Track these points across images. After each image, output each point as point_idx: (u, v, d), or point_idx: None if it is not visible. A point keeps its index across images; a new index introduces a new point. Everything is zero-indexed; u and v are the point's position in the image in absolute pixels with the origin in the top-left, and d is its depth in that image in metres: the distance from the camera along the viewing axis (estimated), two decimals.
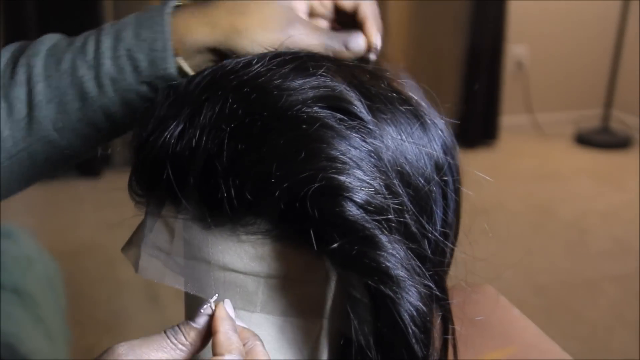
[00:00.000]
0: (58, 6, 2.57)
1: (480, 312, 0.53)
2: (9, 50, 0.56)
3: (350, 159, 0.40)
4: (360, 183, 0.39)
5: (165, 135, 0.42)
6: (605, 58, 3.41)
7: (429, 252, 0.43)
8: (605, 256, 2.29)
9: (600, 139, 3.31)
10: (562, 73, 3.50)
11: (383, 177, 0.40)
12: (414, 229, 0.41)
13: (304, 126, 0.40)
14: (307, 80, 0.42)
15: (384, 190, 0.40)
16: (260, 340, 0.40)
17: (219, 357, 0.37)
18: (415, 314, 0.39)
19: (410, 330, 0.39)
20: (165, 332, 0.39)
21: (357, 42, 0.54)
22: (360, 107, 0.42)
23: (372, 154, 0.41)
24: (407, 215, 0.41)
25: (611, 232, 2.44)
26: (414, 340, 0.39)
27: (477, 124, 3.18)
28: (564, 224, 2.50)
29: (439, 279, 0.43)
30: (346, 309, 0.40)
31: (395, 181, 0.41)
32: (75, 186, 2.21)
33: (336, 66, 0.45)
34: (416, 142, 0.44)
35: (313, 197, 0.38)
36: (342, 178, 0.39)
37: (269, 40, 0.51)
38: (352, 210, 0.38)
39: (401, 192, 0.41)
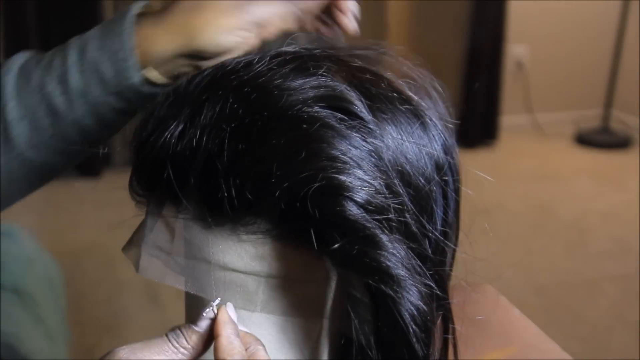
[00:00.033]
0: (58, 6, 2.57)
1: (480, 312, 0.54)
2: None
3: (350, 158, 0.40)
4: (361, 183, 0.39)
5: (166, 135, 0.42)
6: (605, 58, 3.41)
7: (430, 251, 0.43)
8: (605, 256, 2.29)
9: (600, 139, 3.31)
10: (562, 73, 3.50)
11: (383, 177, 0.40)
12: (414, 228, 0.41)
13: (305, 126, 0.40)
14: (307, 80, 0.42)
15: (385, 190, 0.40)
16: (263, 345, 0.40)
17: None
18: (415, 313, 0.39)
19: (411, 330, 0.39)
20: (167, 335, 0.39)
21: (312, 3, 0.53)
22: (360, 107, 0.42)
23: (373, 154, 0.41)
24: (407, 215, 0.41)
25: (611, 232, 2.44)
26: (414, 340, 0.39)
27: (477, 124, 3.18)
28: (564, 224, 2.50)
29: (440, 278, 0.43)
30: (346, 309, 0.40)
31: (395, 181, 0.41)
32: (75, 186, 2.21)
33: (336, 66, 0.45)
34: (416, 142, 0.44)
35: (313, 196, 0.38)
36: (342, 178, 0.39)
37: (232, 25, 0.51)
38: (353, 210, 0.38)
39: (402, 191, 0.41)
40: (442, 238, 0.44)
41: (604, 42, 3.41)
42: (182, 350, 0.39)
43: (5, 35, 2.56)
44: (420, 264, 0.40)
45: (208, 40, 0.52)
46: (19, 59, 0.56)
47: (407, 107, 0.45)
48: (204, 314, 0.40)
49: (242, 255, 0.41)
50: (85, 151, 0.57)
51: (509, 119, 3.37)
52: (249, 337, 0.40)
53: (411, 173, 0.43)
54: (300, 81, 0.42)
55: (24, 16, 2.54)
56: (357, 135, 0.41)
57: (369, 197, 0.39)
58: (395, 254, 0.39)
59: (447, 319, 0.46)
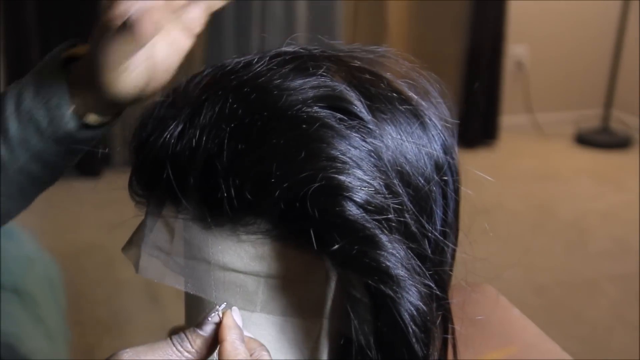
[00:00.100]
0: (58, 6, 2.57)
1: (480, 312, 0.53)
2: None
3: (350, 158, 0.40)
4: (360, 183, 0.39)
5: (165, 135, 0.42)
6: (605, 58, 3.41)
7: (429, 251, 0.43)
8: (605, 256, 2.29)
9: (600, 139, 3.31)
10: (562, 73, 3.50)
11: (383, 177, 0.40)
12: (414, 228, 0.41)
13: (304, 126, 0.40)
14: (307, 80, 0.42)
15: (384, 190, 0.40)
16: (267, 351, 0.40)
17: None
18: (415, 313, 0.39)
19: (411, 330, 0.39)
20: (170, 338, 0.39)
21: None
22: (360, 107, 0.42)
23: (372, 154, 0.41)
24: (407, 215, 0.41)
25: (611, 232, 2.44)
26: (414, 340, 0.39)
27: (477, 124, 3.18)
28: (564, 224, 2.50)
29: (439, 278, 0.43)
30: (346, 309, 0.40)
31: (395, 181, 0.41)
32: (75, 186, 2.21)
33: (336, 66, 0.45)
34: (416, 142, 0.44)
35: (313, 196, 0.38)
36: (342, 178, 0.39)
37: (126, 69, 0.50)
38: (352, 210, 0.38)
39: (401, 191, 0.41)
40: (441, 238, 0.44)
41: (604, 42, 3.41)
42: (186, 354, 0.39)
43: (5, 35, 2.56)
44: (420, 264, 0.40)
45: (111, 85, 0.51)
46: None
47: (407, 107, 0.45)
48: (209, 318, 0.40)
49: (242, 256, 0.41)
50: (39, 190, 0.57)
51: (509, 119, 3.37)
52: (253, 343, 0.40)
53: (411, 173, 0.43)
54: (300, 81, 0.42)
55: (24, 16, 2.53)
56: (356, 135, 0.41)
57: (368, 197, 0.39)
58: (394, 254, 0.39)
59: (447, 319, 0.46)
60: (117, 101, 0.53)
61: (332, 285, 0.42)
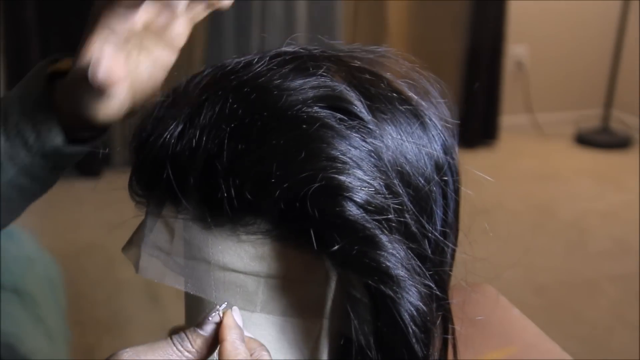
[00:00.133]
0: (58, 6, 2.57)
1: (480, 312, 0.53)
2: None
3: (350, 158, 0.40)
4: (361, 183, 0.39)
5: (165, 135, 0.42)
6: (605, 58, 3.41)
7: (429, 251, 0.43)
8: (605, 256, 2.29)
9: (600, 139, 3.31)
10: (562, 73, 3.50)
11: (383, 177, 0.40)
12: (414, 228, 0.41)
13: (304, 126, 0.40)
14: (307, 80, 0.42)
15: (384, 190, 0.40)
16: (267, 351, 0.40)
17: None
18: (415, 313, 0.39)
19: (411, 330, 0.39)
20: (171, 338, 0.39)
21: None
22: (360, 107, 0.42)
23: (372, 154, 0.41)
24: (407, 215, 0.41)
25: (611, 232, 2.44)
26: (414, 340, 0.39)
27: (477, 124, 3.18)
28: (563, 224, 2.50)
29: (439, 278, 0.43)
30: (346, 309, 0.40)
31: (395, 181, 0.41)
32: (75, 186, 2.21)
33: (336, 66, 0.45)
34: (416, 142, 0.44)
35: (313, 197, 0.38)
36: (342, 178, 0.39)
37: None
38: (352, 210, 0.38)
39: (401, 192, 0.41)
40: (441, 238, 0.44)
41: (604, 42, 3.41)
42: (186, 353, 0.39)
43: (5, 35, 2.56)
44: (420, 264, 0.40)
45: (98, 121, 0.52)
46: None
47: (407, 107, 0.45)
48: (210, 318, 0.40)
49: (242, 256, 0.41)
50: (29, 202, 0.57)
51: (509, 119, 3.37)
52: (253, 343, 0.40)
53: (411, 173, 0.43)
54: (300, 81, 0.42)
55: (24, 16, 2.53)
56: (356, 135, 0.41)
57: (368, 198, 0.39)
58: (394, 255, 0.39)
59: (447, 319, 0.46)
60: (102, 123, 0.53)
61: (332, 285, 0.42)
